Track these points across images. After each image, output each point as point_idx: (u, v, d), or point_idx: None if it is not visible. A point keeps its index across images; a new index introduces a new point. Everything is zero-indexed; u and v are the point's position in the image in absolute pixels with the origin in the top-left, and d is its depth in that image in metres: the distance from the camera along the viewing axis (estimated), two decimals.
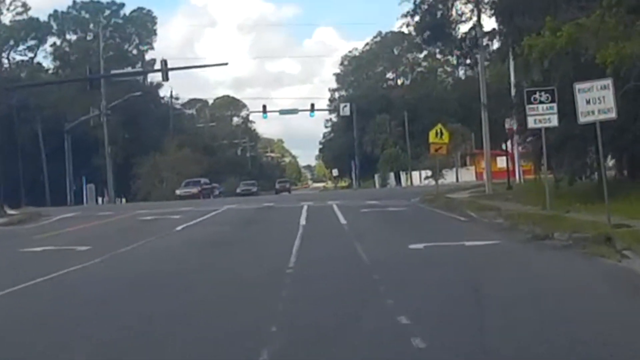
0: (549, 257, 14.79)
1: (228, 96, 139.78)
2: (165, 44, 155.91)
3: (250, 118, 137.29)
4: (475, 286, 10.95)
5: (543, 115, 22.71)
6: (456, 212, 28.57)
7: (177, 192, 67.00)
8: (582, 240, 15.46)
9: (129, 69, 79.07)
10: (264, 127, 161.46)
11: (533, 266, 13.78)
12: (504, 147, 70.85)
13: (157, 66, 70.76)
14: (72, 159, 69.92)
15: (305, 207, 33.53)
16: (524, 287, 11.00)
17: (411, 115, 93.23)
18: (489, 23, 44.47)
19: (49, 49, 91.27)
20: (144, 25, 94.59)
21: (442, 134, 44.04)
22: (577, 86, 18.56)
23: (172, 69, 49.53)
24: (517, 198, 32.50)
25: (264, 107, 60.10)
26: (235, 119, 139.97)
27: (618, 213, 18.50)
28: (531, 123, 23.36)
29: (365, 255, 15.36)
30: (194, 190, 66.72)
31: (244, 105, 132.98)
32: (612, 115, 18.18)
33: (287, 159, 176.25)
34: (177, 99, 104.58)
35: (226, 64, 63.83)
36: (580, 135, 24.49)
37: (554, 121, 22.71)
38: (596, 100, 18.17)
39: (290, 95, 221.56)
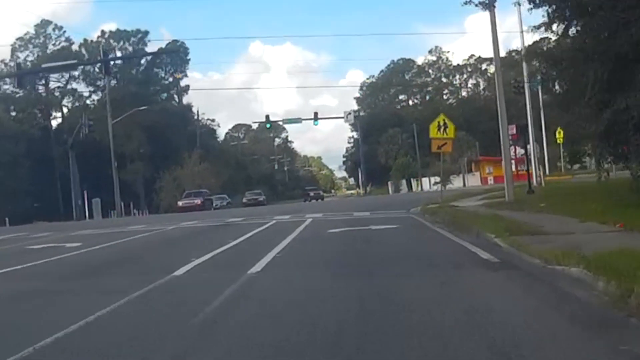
0: None
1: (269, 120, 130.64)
2: (229, 83, 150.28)
3: (290, 138, 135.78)
4: None
5: None
6: (470, 234, 13.15)
7: (180, 203, 53.01)
8: None
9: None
10: (307, 148, 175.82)
11: None
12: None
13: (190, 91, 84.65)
14: (96, 175, 60.33)
15: (266, 225, 19.88)
16: None
17: (420, 128, 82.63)
18: None
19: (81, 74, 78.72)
20: (177, 55, 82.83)
21: (445, 126, 27.17)
22: None
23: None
24: (554, 207, 17.06)
25: (267, 117, 52.29)
26: (277, 140, 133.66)
27: None
28: None
29: None
30: (197, 201, 52.49)
31: (284, 129, 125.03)
32: None
33: (324, 172, 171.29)
34: (212, 120, 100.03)
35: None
36: None
37: None
38: None
39: (329, 124, 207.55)
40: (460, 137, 67.18)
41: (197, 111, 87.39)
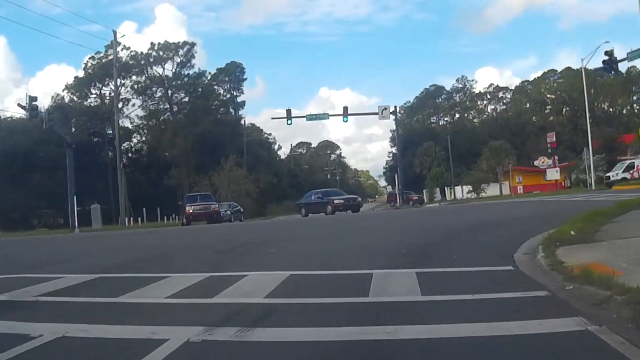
0: None
1: (327, 140, 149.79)
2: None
3: (343, 154, 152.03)
4: None
5: None
6: None
7: (190, 209, 38.58)
8: None
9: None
10: (359, 165, 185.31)
11: None
12: (536, 163, 65.99)
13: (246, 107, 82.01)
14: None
15: None
16: None
17: (451, 143, 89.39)
18: None
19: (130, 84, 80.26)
20: (234, 74, 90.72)
21: None
22: None
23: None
24: None
25: (288, 111, 48.89)
26: (333, 156, 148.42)
27: None
28: None
29: None
30: (213, 206, 39.56)
31: (338, 147, 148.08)
32: None
33: (370, 182, 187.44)
34: (269, 134, 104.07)
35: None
36: None
37: None
38: None
39: (378, 147, 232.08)
40: (498, 146, 71.01)
41: (244, 121, 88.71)
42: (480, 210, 26.05)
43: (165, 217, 52.37)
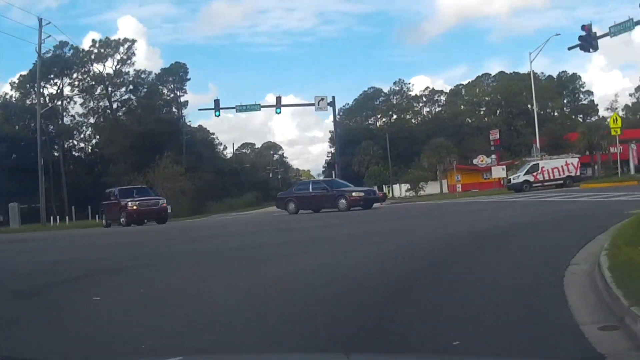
0: None
1: (270, 141, 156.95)
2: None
3: (285, 155, 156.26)
4: None
5: None
6: None
7: (133, 205, 31.44)
8: None
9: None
10: (302, 165, 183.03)
11: None
12: (475, 161, 65.95)
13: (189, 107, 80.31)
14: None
15: None
16: None
17: (390, 142, 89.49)
18: None
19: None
20: (178, 74, 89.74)
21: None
22: None
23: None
24: None
25: (216, 102, 47.26)
26: (276, 156, 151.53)
27: None
28: None
29: None
30: (161, 201, 33.74)
31: (281, 148, 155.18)
32: None
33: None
34: (212, 133, 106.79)
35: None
36: None
37: None
38: None
39: (319, 148, 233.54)
40: (439, 143, 69.86)
41: (184, 119, 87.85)
42: (439, 213, 22.12)
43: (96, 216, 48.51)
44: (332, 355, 3.92)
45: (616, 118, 46.10)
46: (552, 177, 44.53)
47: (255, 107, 47.49)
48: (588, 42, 29.76)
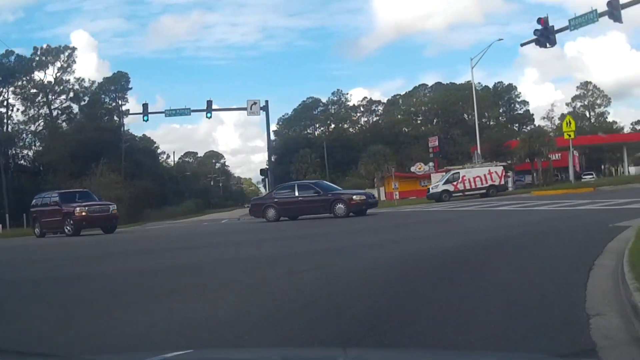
0: None
1: (212, 150, 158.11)
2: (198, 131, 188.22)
3: (227, 164, 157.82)
4: None
5: None
6: None
7: (81, 211, 26.61)
8: None
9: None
10: (245, 173, 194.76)
11: None
12: (412, 169, 64.87)
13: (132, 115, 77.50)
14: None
15: None
16: None
17: (327, 151, 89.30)
18: None
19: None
20: (119, 83, 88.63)
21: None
22: None
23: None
24: None
25: (145, 106, 44.40)
26: (218, 165, 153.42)
27: None
28: None
29: None
30: (112, 207, 29.18)
31: (223, 156, 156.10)
32: None
33: (252, 188, 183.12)
34: (154, 142, 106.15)
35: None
36: None
37: None
38: None
39: (260, 157, 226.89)
40: (377, 150, 68.44)
41: (123, 127, 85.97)
42: (393, 227, 18.00)
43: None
44: (328, 350, 4.08)
45: (570, 121, 42.25)
46: (473, 187, 41.69)
47: (185, 112, 44.43)
48: (545, 36, 26.48)
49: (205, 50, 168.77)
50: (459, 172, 43.18)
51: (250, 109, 44.56)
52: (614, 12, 23.49)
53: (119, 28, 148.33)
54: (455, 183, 42.06)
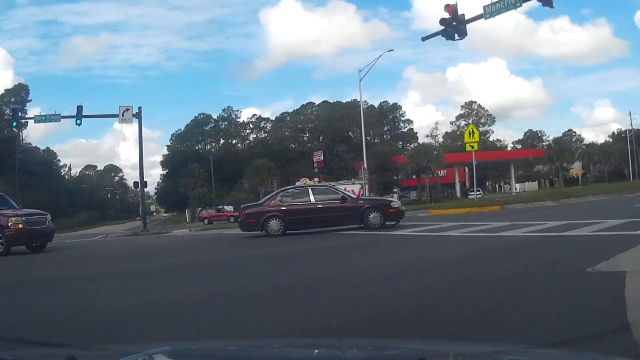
0: None
1: (112, 164, 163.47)
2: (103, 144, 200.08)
3: (125, 177, 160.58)
4: None
5: None
6: None
7: (18, 223, 18.38)
8: None
9: None
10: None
11: None
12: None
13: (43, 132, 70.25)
14: None
15: None
16: None
17: (215, 165, 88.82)
18: None
19: None
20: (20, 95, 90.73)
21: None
22: None
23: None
24: None
25: (15, 111, 43.10)
26: (116, 178, 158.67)
27: None
28: None
29: None
30: (48, 219, 20.44)
31: (121, 170, 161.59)
32: None
33: (149, 201, 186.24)
34: (55, 154, 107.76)
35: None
36: None
37: None
38: None
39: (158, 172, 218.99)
40: (260, 164, 68.21)
41: (20, 139, 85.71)
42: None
43: None
44: (325, 340, 4.10)
45: (472, 131, 34.76)
46: None
47: (55, 118, 41.47)
48: (453, 27, 21.36)
49: (112, 70, 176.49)
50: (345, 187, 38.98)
51: (123, 115, 41.09)
52: None
53: (34, 46, 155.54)
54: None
